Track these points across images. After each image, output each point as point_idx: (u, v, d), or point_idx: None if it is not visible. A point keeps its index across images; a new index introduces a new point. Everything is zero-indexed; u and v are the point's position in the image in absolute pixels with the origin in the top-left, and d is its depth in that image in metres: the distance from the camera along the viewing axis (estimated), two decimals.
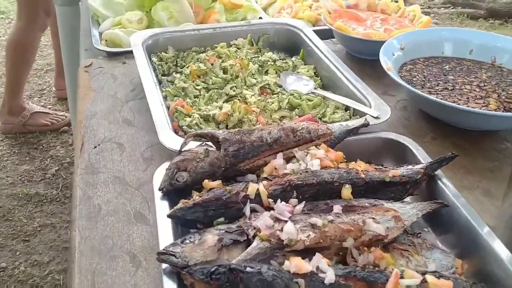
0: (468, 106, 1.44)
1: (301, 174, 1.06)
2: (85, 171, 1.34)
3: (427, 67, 1.70)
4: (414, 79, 1.60)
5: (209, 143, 1.18)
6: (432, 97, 1.41)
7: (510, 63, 1.73)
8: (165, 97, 1.58)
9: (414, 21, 2.01)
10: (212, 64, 1.70)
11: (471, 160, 1.43)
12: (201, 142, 1.19)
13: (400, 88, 1.59)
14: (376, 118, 1.37)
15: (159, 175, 1.18)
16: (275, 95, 1.62)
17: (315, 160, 1.12)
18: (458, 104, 1.45)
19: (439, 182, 1.18)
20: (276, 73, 1.77)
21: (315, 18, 2.32)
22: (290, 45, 1.96)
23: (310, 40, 1.84)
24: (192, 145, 1.18)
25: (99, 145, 1.44)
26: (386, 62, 1.58)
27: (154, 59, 1.78)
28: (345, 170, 1.09)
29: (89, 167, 1.36)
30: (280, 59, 1.83)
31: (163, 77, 1.73)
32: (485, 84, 1.59)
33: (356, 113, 1.50)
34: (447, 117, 1.47)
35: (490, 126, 1.47)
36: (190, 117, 1.44)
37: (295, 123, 1.23)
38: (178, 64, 1.82)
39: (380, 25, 1.95)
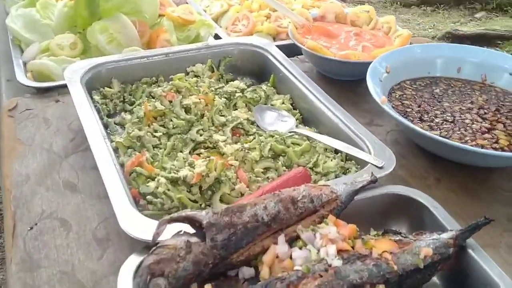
0: (477, 144, 1.25)
1: (321, 277, 0.81)
2: (21, 267, 1.02)
3: (417, 91, 1.50)
4: (408, 109, 1.39)
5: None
6: (442, 138, 1.20)
7: (500, 81, 1.56)
8: (116, 149, 1.28)
9: (390, 33, 1.80)
10: (170, 102, 1.40)
11: (486, 205, 1.24)
12: (179, 230, 0.91)
13: (388, 116, 1.38)
14: (380, 168, 1.15)
15: (126, 276, 0.89)
16: (251, 136, 1.36)
17: (329, 247, 0.87)
18: (466, 141, 1.26)
19: (472, 254, 0.97)
20: (246, 106, 1.50)
21: (276, 31, 2.07)
22: (256, 69, 1.70)
23: (281, 63, 1.59)
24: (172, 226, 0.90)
25: (36, 224, 1.12)
26: (377, 92, 1.36)
27: (96, 97, 1.46)
28: (374, 263, 0.85)
29: (25, 260, 1.03)
30: (248, 88, 1.56)
31: (109, 120, 1.42)
32: (485, 111, 1.41)
33: (349, 156, 1.27)
34: (454, 157, 1.27)
35: (501, 164, 1.29)
36: (153, 179, 1.15)
37: (294, 190, 0.98)
38: (126, 100, 1.51)
39: (355, 41, 1.73)
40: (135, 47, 1.68)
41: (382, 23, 1.85)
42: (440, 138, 1.20)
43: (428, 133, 1.23)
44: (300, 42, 1.69)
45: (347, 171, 1.24)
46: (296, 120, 1.44)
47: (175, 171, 1.15)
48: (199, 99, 1.41)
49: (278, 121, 1.42)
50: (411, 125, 1.24)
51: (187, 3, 2.22)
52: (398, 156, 1.38)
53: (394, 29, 1.80)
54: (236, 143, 1.33)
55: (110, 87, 1.51)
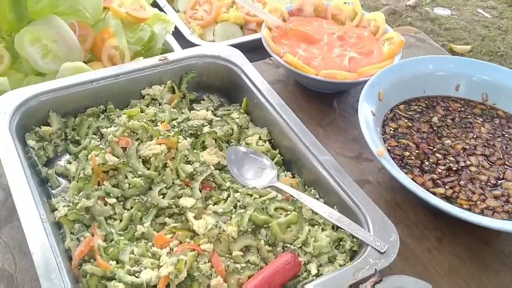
0: (488, 207, 1.09)
1: None
2: None
3: (413, 122, 1.30)
4: (405, 153, 1.20)
5: None
6: (451, 208, 1.03)
7: (503, 101, 1.38)
8: (57, 224, 1.04)
9: (378, 34, 1.55)
10: (124, 150, 1.15)
11: (492, 275, 1.10)
12: None
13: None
14: (383, 254, 0.97)
15: None
16: (225, 193, 1.14)
17: None
18: (475, 203, 1.10)
19: None
20: (216, 142, 1.26)
21: (244, 20, 1.77)
22: (226, 86, 1.43)
23: (256, 87, 1.33)
24: None
25: None
26: (373, 139, 1.15)
27: (31, 141, 1.18)
28: None
29: None
30: (216, 117, 1.32)
31: (49, 172, 1.15)
32: (491, 150, 1.24)
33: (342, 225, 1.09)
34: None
35: None
36: (108, 280, 0.93)
37: None
38: (69, 137, 1.24)
39: (340, 48, 1.48)
40: (77, 62, 1.37)
41: (369, 19, 1.59)
42: (448, 208, 1.03)
43: (435, 199, 1.05)
44: (276, 53, 1.43)
45: (340, 244, 1.05)
46: (276, 163, 1.22)
47: (135, 271, 0.93)
48: (160, 144, 1.16)
49: (256, 168, 1.20)
50: (413, 188, 1.05)
51: None
52: (394, 206, 1.22)
53: (383, 29, 1.55)
54: (206, 200, 1.12)
55: (48, 124, 1.23)
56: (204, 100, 1.42)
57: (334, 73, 1.36)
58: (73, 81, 1.26)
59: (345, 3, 1.62)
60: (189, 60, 1.39)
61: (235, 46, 1.65)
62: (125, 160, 1.12)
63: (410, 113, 1.33)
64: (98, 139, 1.23)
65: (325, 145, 1.31)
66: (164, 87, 1.36)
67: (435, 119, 1.32)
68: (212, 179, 1.16)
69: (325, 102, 1.49)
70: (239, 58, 1.40)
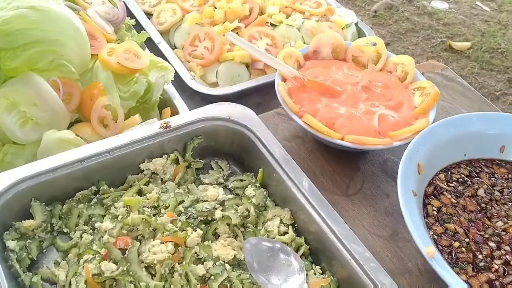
0: None
1: None
2: None
3: (457, 197, 1.12)
4: (454, 242, 1.03)
5: None
6: None
7: None
8: None
9: (406, 81, 1.37)
10: (123, 252, 0.96)
11: None
12: None
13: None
14: None
15: None
16: None
17: None
18: None
19: None
20: (229, 227, 1.08)
21: (250, 59, 1.57)
22: (236, 150, 1.24)
23: (272, 156, 1.14)
24: None
25: None
26: (420, 233, 0.97)
27: (11, 242, 0.98)
28: None
29: None
30: (230, 196, 1.13)
31: (33, 279, 0.96)
32: None
33: None
34: None
35: None
36: None
37: None
38: (56, 228, 1.05)
39: (366, 103, 1.29)
40: (63, 132, 1.16)
41: (395, 63, 1.40)
42: None
43: None
44: (295, 112, 1.23)
45: None
46: (302, 255, 1.04)
47: None
48: (166, 243, 0.97)
49: (280, 266, 1.01)
50: None
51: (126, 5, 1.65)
52: None
53: (412, 75, 1.36)
54: None
55: (30, 215, 1.03)
56: (212, 168, 1.23)
57: (363, 139, 1.17)
58: (59, 162, 1.05)
59: (367, 43, 1.42)
60: (195, 124, 1.19)
61: (242, 91, 1.46)
62: (125, 268, 0.93)
63: (452, 184, 1.15)
64: (91, 230, 1.03)
65: (355, 222, 1.15)
66: (167, 159, 1.16)
67: (481, 192, 1.14)
68: (229, 284, 0.97)
69: (349, 162, 1.30)
70: (252, 121, 1.21)
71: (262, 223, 1.09)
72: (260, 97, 1.57)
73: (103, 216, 1.06)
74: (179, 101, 1.41)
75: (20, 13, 1.16)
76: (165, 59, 1.53)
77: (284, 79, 1.33)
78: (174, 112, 1.39)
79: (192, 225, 1.03)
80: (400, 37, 4.60)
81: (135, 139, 1.13)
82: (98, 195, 1.10)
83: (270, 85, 1.52)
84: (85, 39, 1.28)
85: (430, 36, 4.64)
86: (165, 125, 1.16)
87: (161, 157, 1.17)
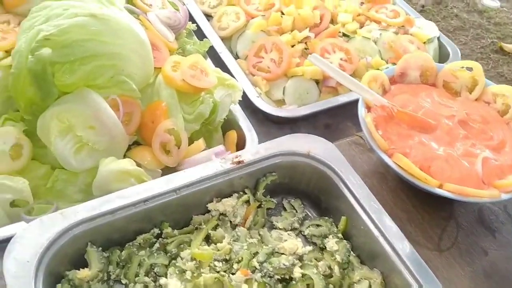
0: None
1: None
2: None
3: None
4: None
5: None
6: None
7: None
8: None
9: (508, 116, 1.19)
10: None
11: None
12: None
13: None
14: None
15: None
16: None
17: None
18: None
19: None
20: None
21: (323, 75, 1.40)
22: (313, 190, 1.09)
23: (359, 203, 0.99)
24: None
25: None
26: None
27: None
28: None
29: None
30: (309, 248, 0.98)
31: None
32: None
33: None
34: None
35: None
36: None
37: None
38: (113, 277, 0.91)
39: (464, 141, 1.11)
40: (123, 163, 1.02)
41: (494, 93, 1.22)
42: None
43: None
44: (383, 149, 1.07)
45: None
46: None
47: None
48: None
49: None
50: None
51: (184, 4, 1.49)
52: None
53: None
54: None
55: (85, 262, 0.90)
56: (284, 209, 1.08)
57: (467, 190, 1.00)
58: (121, 202, 0.91)
59: (462, 68, 1.24)
60: (269, 160, 1.04)
61: (312, 114, 1.31)
62: None
63: None
64: (153, 283, 0.90)
65: (449, 284, 0.99)
66: (237, 199, 1.01)
67: None
68: None
69: (440, 209, 1.14)
70: (335, 159, 1.05)
71: (348, 286, 0.94)
72: (329, 118, 1.41)
73: (167, 266, 0.92)
74: (244, 122, 1.26)
75: (79, 22, 1.01)
76: (227, 70, 1.38)
77: (368, 107, 1.16)
78: (240, 135, 1.24)
79: (269, 285, 0.89)
80: (448, 35, 4.34)
81: (204, 176, 0.98)
82: (160, 238, 0.96)
83: (341, 106, 1.37)
84: (149, 52, 1.13)
85: (480, 36, 4.36)
86: (237, 160, 1.01)
87: (230, 195, 1.03)
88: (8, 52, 1.13)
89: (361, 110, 1.14)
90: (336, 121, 1.41)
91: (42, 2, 1.08)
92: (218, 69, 1.26)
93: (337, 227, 1.03)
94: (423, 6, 4.67)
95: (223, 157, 1.02)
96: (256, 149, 1.05)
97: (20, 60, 0.98)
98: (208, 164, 1.01)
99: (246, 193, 1.04)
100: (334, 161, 1.05)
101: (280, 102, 1.42)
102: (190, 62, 1.18)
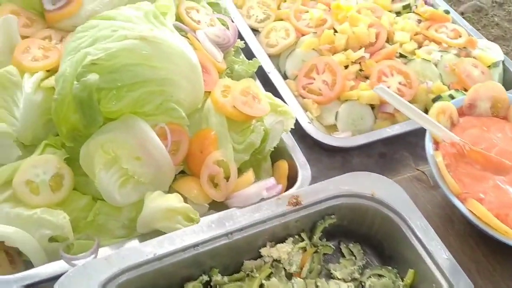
0: None
1: None
2: None
3: None
4: None
5: None
6: None
7: None
8: None
9: None
10: None
11: None
12: None
13: None
14: None
15: None
16: None
17: None
18: None
19: None
20: None
21: (380, 100, 1.30)
22: (374, 235, 0.99)
23: (432, 258, 0.88)
24: None
25: None
26: None
27: None
28: None
29: None
30: None
31: None
32: None
33: None
34: None
35: None
36: None
37: None
38: None
39: None
40: (172, 200, 0.94)
41: None
42: None
43: None
44: (455, 193, 0.97)
45: None
46: None
47: None
48: None
49: None
50: None
51: (231, 19, 1.40)
52: None
53: None
54: None
55: None
56: (343, 255, 0.99)
57: None
58: (169, 248, 0.84)
59: None
60: (330, 201, 0.95)
61: (369, 144, 1.21)
62: None
63: None
64: None
65: None
66: (293, 246, 0.92)
67: None
68: None
69: None
70: (402, 203, 0.95)
71: None
72: (384, 147, 1.31)
73: None
74: (296, 151, 1.16)
75: (128, 46, 0.94)
76: (275, 91, 1.29)
77: (435, 142, 1.06)
78: (290, 164, 1.14)
79: None
80: None
81: (258, 220, 0.90)
82: (209, 286, 0.88)
83: (399, 135, 1.27)
84: (200, 77, 1.05)
85: None
86: (294, 201, 0.92)
87: (285, 239, 0.94)
88: (49, 72, 1.06)
89: (429, 146, 1.04)
90: (392, 150, 1.31)
91: (88, 21, 1.01)
92: (270, 94, 1.17)
93: (402, 280, 0.93)
94: (462, 14, 4.50)
95: (278, 197, 0.94)
96: (315, 188, 0.96)
97: (65, 86, 0.91)
98: (262, 205, 0.92)
99: (301, 237, 0.95)
100: (400, 205, 0.95)
101: (331, 127, 1.33)
102: (242, 87, 1.09)
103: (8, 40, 1.09)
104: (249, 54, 1.40)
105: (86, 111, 0.92)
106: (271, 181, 1.06)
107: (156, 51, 0.96)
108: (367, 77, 1.38)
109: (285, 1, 1.59)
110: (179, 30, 1.17)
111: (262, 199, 1.00)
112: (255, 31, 1.53)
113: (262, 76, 1.35)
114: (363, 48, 1.39)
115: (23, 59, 1.04)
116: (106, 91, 0.93)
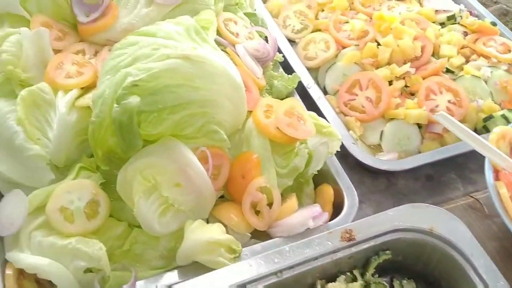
0: None
1: None
2: None
3: None
4: None
5: None
6: None
7: None
8: None
9: None
10: None
11: None
12: None
13: None
14: None
15: None
16: None
17: None
18: None
19: None
20: None
21: (427, 119, 1.23)
22: (431, 271, 0.92)
23: None
24: None
25: None
26: None
27: None
28: None
29: None
30: None
31: None
32: None
33: None
34: None
35: None
36: None
37: None
38: None
39: None
40: (214, 228, 0.88)
41: None
42: None
43: None
44: None
45: None
46: None
47: None
48: None
49: None
50: None
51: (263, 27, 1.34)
52: None
53: None
54: None
55: None
56: None
57: None
58: (214, 286, 0.77)
59: None
60: (385, 236, 0.88)
61: (417, 168, 1.14)
62: None
63: None
64: None
65: None
66: (345, 284, 0.85)
67: None
68: None
69: None
70: (463, 239, 0.87)
71: None
72: (431, 168, 1.24)
73: None
74: (340, 174, 1.09)
75: (171, 66, 0.87)
76: (314, 107, 1.23)
77: (495, 170, 0.98)
78: (334, 189, 1.07)
79: None
80: None
81: (310, 257, 0.83)
82: None
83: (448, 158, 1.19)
84: (243, 98, 0.98)
85: None
86: (347, 236, 0.85)
87: (336, 276, 0.87)
88: (83, 89, 1.01)
89: (489, 176, 0.97)
90: (439, 172, 1.24)
91: (127, 37, 0.94)
92: (314, 114, 1.10)
93: None
94: None
95: (329, 230, 0.87)
96: (369, 222, 0.89)
97: (103, 109, 0.85)
98: (313, 240, 0.85)
99: (353, 273, 0.88)
100: (462, 241, 0.88)
101: (375, 149, 1.25)
102: (286, 107, 1.03)
103: (40, 53, 1.04)
104: (287, 67, 1.34)
105: (126, 135, 0.86)
106: (317, 209, 0.99)
107: (199, 71, 0.90)
108: (412, 94, 1.30)
109: (322, 10, 1.52)
110: (218, 44, 1.11)
111: (308, 229, 0.94)
112: (291, 41, 1.46)
113: (300, 90, 1.28)
114: (409, 63, 1.31)
115: (56, 76, 0.98)
116: (147, 114, 0.87)
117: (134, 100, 0.83)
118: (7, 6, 1.11)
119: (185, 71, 0.88)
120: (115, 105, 0.84)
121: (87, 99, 0.96)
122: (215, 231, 0.89)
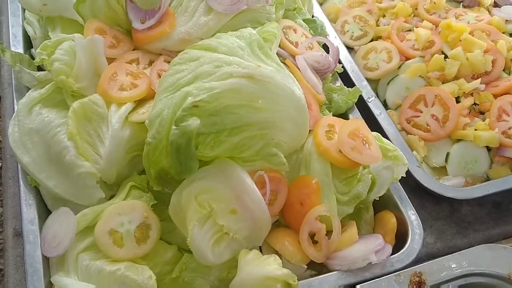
0: None
1: None
2: None
3: None
4: None
5: None
6: None
7: None
8: None
9: None
10: None
11: None
12: None
13: None
14: None
15: None
16: None
17: None
18: None
19: None
20: None
21: (499, 141, 1.13)
22: None
23: None
24: None
25: None
26: None
27: None
28: None
29: None
30: None
31: None
32: None
33: None
34: None
35: None
36: None
37: None
38: None
39: None
40: (270, 261, 0.82)
41: None
42: None
43: None
44: None
45: None
46: None
47: None
48: None
49: None
50: None
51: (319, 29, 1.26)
52: None
53: None
54: None
55: None
56: None
57: None
58: None
59: None
60: (457, 281, 0.80)
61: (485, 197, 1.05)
62: None
63: None
64: None
65: None
66: None
67: None
68: None
69: None
70: None
71: None
72: (498, 195, 1.14)
73: None
74: (403, 201, 1.01)
75: (234, 86, 0.82)
76: (373, 122, 1.15)
77: None
78: (397, 217, 1.00)
79: None
80: None
81: None
82: None
83: None
84: (306, 119, 0.92)
85: None
86: (417, 280, 0.79)
87: None
88: (137, 102, 0.96)
89: None
90: (507, 199, 1.15)
91: (186, 50, 0.88)
92: (378, 135, 1.02)
93: None
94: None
95: (397, 273, 0.80)
96: (440, 264, 0.81)
97: (160, 130, 0.80)
98: (379, 283, 0.78)
99: None
100: None
101: (440, 171, 1.17)
102: (350, 129, 0.95)
103: (93, 62, 0.99)
104: (345, 77, 1.26)
105: (182, 158, 0.81)
106: (380, 241, 0.93)
107: (262, 91, 0.84)
108: (481, 112, 1.21)
109: (384, 16, 1.43)
110: (278, 56, 1.04)
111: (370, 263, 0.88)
112: (349, 48, 1.37)
113: (359, 102, 1.20)
114: (479, 79, 1.22)
115: (110, 88, 0.94)
116: (205, 136, 0.82)
117: (194, 122, 0.78)
118: (60, 10, 1.07)
119: (248, 91, 0.82)
120: (174, 127, 0.78)
121: (141, 115, 0.91)
122: (272, 265, 0.83)
